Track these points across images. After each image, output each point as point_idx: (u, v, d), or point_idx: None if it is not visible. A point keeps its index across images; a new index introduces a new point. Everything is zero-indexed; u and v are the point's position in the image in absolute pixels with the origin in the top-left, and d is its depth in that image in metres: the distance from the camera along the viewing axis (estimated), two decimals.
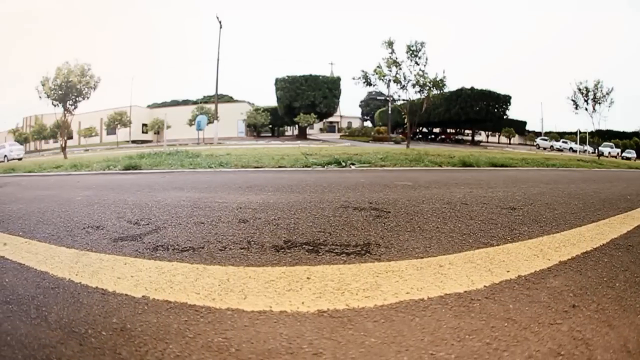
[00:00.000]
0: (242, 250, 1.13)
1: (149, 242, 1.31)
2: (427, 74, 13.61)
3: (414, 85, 14.06)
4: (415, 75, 14.05)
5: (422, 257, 1.03)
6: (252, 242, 1.20)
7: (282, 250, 1.12)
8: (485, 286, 0.85)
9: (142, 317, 0.74)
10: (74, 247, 1.26)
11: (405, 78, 14.04)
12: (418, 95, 14.34)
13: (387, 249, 1.10)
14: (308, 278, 0.89)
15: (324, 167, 4.93)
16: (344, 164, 4.82)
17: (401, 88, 14.02)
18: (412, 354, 0.58)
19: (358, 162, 4.85)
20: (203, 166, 5.40)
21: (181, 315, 0.74)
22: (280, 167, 5.15)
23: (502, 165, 5.39)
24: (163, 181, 3.39)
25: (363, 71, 14.81)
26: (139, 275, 0.99)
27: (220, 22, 28.69)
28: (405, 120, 15.16)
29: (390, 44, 14.18)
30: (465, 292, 0.82)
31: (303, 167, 5.07)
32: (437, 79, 13.83)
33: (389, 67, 14.06)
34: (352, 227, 1.36)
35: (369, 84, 15.39)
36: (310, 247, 1.13)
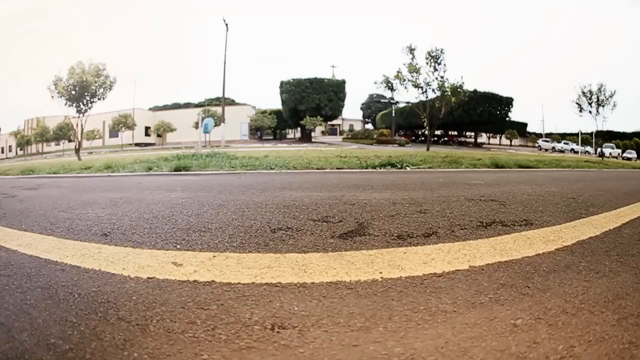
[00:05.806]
0: (464, 231, 1.65)
1: (383, 235, 1.54)
2: (447, 80, 14.77)
3: (434, 90, 15.17)
4: (434, 80, 15.14)
5: (554, 225, 1.91)
6: (461, 225, 1.78)
7: (485, 228, 1.74)
8: (596, 235, 1.70)
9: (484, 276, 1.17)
10: (302, 251, 1.37)
11: (427, 83, 15.14)
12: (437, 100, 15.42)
13: (536, 222, 1.92)
14: (528, 238, 1.59)
15: (381, 168, 5.74)
16: (399, 165, 5.70)
17: (422, 93, 15.16)
18: (588, 265, 1.39)
19: (410, 164, 5.75)
20: (264, 167, 5.86)
21: (500, 272, 1.21)
22: (338, 169, 5.85)
23: (527, 167, 6.31)
24: (250, 182, 3.50)
25: (384, 75, 15.96)
26: (432, 256, 1.32)
27: (227, 25, 29.21)
28: (425, 123, 16.27)
29: (411, 50, 15.26)
30: (590, 238, 1.64)
31: (361, 169, 5.79)
32: (456, 85, 14.95)
33: (410, 72, 15.14)
34: (499, 211, 2.15)
35: (391, 88, 16.47)
36: (501, 225, 1.81)
